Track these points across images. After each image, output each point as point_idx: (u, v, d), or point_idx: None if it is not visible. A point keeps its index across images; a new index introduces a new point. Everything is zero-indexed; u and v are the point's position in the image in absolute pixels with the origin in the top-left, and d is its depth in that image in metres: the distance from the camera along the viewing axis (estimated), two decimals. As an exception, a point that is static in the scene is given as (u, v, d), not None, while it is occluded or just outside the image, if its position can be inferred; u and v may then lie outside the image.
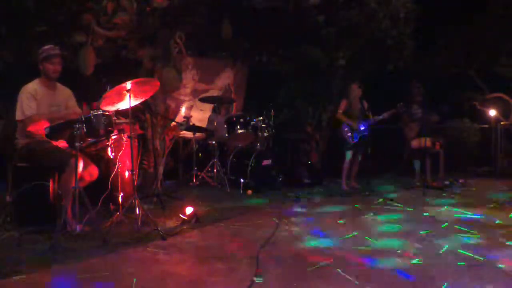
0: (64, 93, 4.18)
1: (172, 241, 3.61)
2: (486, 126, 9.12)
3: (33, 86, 3.91)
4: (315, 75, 7.72)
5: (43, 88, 3.94)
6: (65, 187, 3.69)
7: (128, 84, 3.77)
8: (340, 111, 6.49)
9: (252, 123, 6.43)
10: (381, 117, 6.48)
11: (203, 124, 6.78)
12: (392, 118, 6.75)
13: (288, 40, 7.28)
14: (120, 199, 4.25)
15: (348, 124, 6.41)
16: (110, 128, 3.90)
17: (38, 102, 3.86)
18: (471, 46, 9.54)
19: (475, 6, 9.39)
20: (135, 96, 3.98)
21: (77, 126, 3.57)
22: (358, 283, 2.75)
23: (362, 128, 6.42)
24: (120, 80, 3.77)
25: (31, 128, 3.81)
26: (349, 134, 6.41)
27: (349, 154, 6.46)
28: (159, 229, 3.70)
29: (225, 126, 6.40)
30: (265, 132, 6.50)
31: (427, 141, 6.57)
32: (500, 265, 3.10)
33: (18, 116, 3.85)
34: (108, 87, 3.84)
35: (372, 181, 6.58)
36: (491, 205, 5.28)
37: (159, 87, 4.22)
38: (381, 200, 5.61)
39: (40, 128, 3.72)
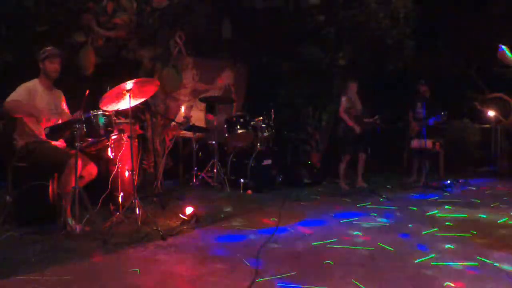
0: (58, 95, 4.18)
1: (172, 241, 3.61)
2: (486, 126, 9.11)
3: (33, 84, 3.91)
4: (315, 75, 7.72)
5: (42, 88, 3.95)
6: (64, 187, 3.69)
7: (128, 84, 3.78)
8: (342, 108, 6.51)
9: (252, 123, 6.43)
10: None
11: (203, 124, 6.78)
12: (393, 118, 6.76)
13: (288, 40, 7.27)
14: (120, 199, 4.25)
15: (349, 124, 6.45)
16: (110, 128, 3.90)
17: (37, 101, 3.87)
18: (471, 46, 9.53)
19: (475, 6, 9.38)
20: (135, 96, 3.99)
21: (77, 126, 3.58)
22: (358, 282, 2.75)
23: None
24: (120, 80, 3.77)
25: (16, 115, 3.80)
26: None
27: (346, 154, 6.52)
28: (159, 229, 3.70)
29: (225, 126, 6.41)
30: (265, 132, 6.50)
31: (427, 143, 6.58)
32: (501, 266, 3.10)
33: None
34: (108, 87, 3.84)
35: (372, 181, 6.57)
36: (492, 205, 5.28)
37: (159, 87, 4.22)
38: (381, 200, 5.61)
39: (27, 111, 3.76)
